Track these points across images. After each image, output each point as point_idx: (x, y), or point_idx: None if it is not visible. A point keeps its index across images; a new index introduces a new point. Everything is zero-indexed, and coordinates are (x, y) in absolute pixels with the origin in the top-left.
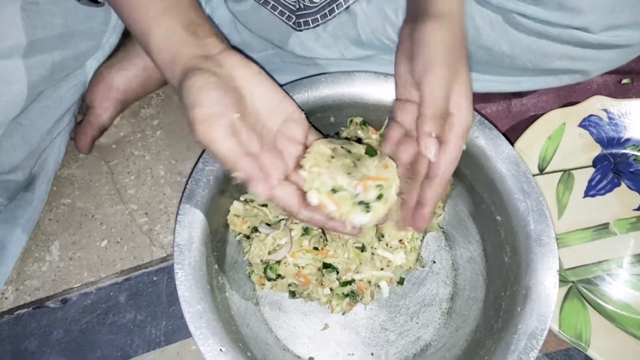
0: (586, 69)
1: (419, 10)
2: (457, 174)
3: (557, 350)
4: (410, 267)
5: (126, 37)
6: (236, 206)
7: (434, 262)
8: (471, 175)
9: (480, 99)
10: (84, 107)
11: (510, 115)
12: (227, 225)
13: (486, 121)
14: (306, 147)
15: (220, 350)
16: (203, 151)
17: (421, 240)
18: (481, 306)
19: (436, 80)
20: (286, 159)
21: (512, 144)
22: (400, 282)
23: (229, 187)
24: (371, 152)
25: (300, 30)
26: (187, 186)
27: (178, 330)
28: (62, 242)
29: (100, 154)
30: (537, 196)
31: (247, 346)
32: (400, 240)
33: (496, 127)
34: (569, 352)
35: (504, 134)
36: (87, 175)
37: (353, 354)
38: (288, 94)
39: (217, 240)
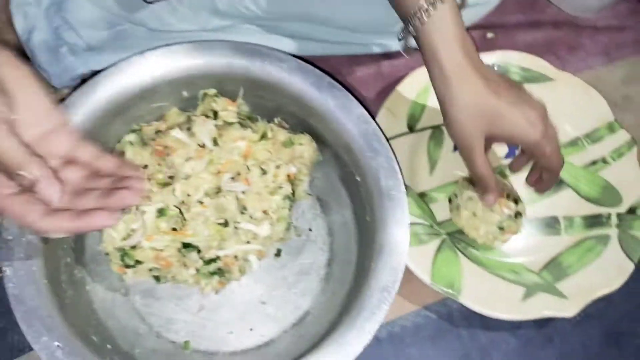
0: None
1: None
2: (322, 141)
3: (434, 301)
4: (282, 238)
5: None
6: None
7: (310, 230)
8: (332, 139)
9: (348, 63)
10: None
11: (381, 78)
12: None
13: (336, 83)
14: (72, 161)
15: (58, 346)
16: None
17: (289, 209)
18: (354, 269)
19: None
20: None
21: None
22: (278, 253)
23: None
24: None
25: (151, 3)
26: None
27: None
28: None
29: None
30: (386, 152)
31: (111, 339)
32: (264, 211)
33: (351, 92)
34: (446, 302)
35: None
36: None
37: (232, 332)
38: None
39: None
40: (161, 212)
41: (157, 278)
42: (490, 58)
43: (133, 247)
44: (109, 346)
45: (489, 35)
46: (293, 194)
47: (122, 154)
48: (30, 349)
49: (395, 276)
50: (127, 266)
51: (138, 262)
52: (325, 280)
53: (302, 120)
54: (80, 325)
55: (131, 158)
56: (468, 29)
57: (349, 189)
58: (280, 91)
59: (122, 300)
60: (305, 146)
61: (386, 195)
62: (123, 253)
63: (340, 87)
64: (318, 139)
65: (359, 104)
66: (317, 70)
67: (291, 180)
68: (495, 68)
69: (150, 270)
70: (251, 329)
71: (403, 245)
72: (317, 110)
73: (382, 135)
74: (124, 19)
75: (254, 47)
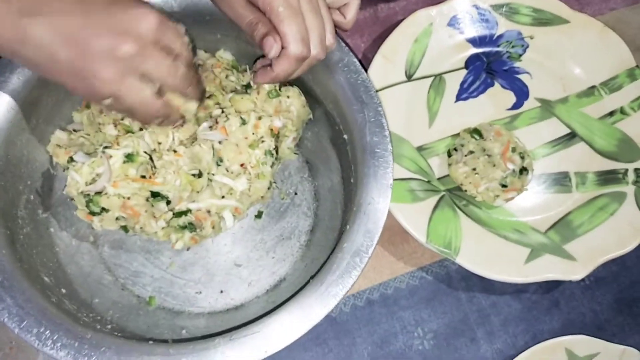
0: None
1: None
2: (314, 97)
3: (431, 262)
4: (263, 197)
5: None
6: (59, 135)
7: (296, 193)
8: (321, 93)
9: None
10: None
11: (378, 22)
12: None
13: None
14: None
15: None
16: None
17: (271, 167)
18: (336, 235)
19: None
20: None
21: None
22: (259, 215)
23: (40, 112)
24: None
25: None
26: None
27: None
28: None
29: None
30: (375, 106)
31: (68, 284)
32: (242, 165)
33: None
34: (444, 263)
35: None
36: None
37: (201, 292)
38: None
39: (33, 171)
40: (129, 158)
41: (124, 228)
42: None
43: (98, 193)
44: (63, 290)
45: None
46: (276, 150)
47: None
48: None
49: (370, 240)
50: (93, 213)
51: (104, 209)
52: (306, 247)
53: None
54: (32, 263)
55: None
56: None
57: (339, 151)
58: None
59: (88, 247)
60: (293, 99)
61: (370, 152)
62: (88, 199)
63: None
64: (309, 94)
65: (350, 51)
66: None
67: (276, 134)
68: (504, 9)
69: (118, 219)
70: (222, 291)
71: (382, 207)
72: None
73: (372, 87)
74: None
75: None
